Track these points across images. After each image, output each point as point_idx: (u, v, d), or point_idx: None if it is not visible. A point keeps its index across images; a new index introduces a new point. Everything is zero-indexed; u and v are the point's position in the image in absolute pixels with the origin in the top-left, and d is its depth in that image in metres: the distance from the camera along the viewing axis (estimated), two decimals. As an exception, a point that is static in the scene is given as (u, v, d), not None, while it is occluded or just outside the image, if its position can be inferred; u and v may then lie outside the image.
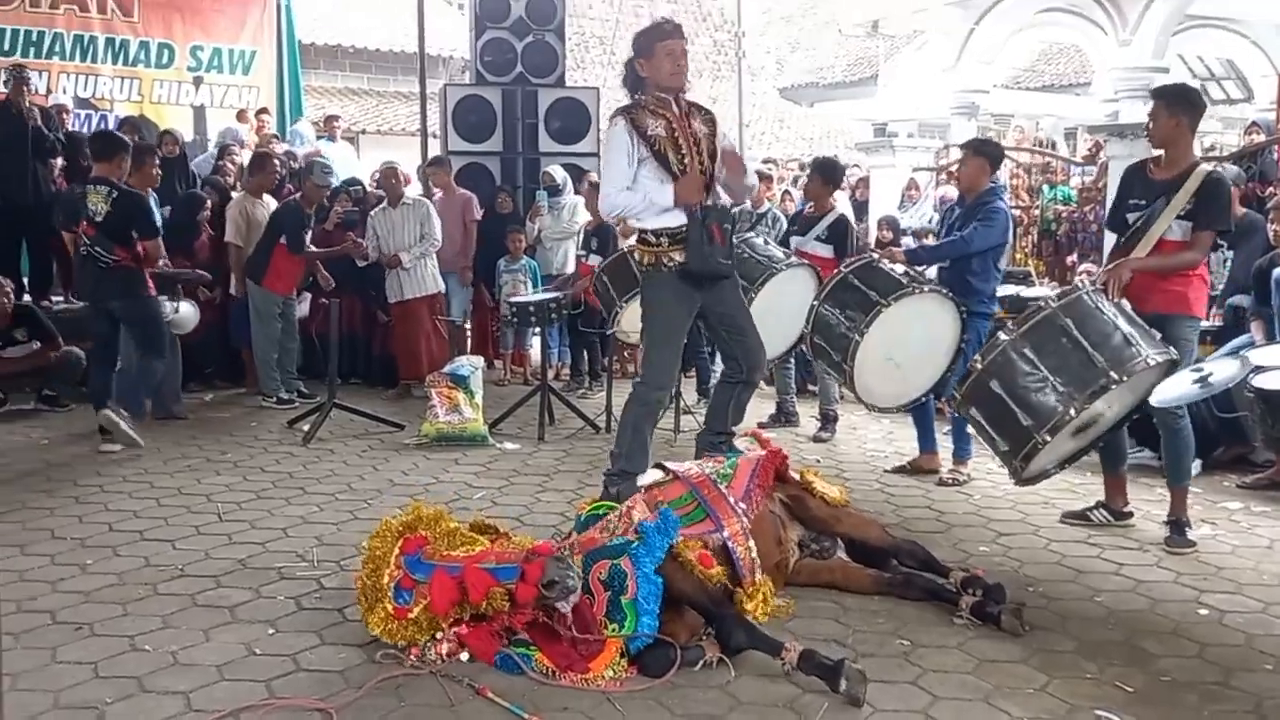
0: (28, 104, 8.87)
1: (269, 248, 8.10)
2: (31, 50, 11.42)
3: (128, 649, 3.72)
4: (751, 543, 3.91)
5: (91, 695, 3.37)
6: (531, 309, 7.61)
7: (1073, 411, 4.28)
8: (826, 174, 7.27)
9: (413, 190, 9.35)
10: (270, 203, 8.55)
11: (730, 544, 3.85)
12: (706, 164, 4.80)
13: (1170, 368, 4.50)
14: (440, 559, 3.66)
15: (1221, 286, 7.08)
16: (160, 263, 7.14)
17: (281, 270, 8.12)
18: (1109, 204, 9.16)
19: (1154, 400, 4.50)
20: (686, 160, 4.73)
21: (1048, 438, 4.34)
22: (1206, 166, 4.91)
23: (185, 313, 7.68)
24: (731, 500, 4.00)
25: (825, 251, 6.96)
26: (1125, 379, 4.25)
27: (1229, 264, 7.13)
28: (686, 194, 4.71)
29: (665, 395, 4.90)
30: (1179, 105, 4.87)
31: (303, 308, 8.81)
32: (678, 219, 4.75)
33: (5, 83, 9.25)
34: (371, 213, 8.67)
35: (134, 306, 6.83)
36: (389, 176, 8.57)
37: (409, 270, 8.36)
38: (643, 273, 4.95)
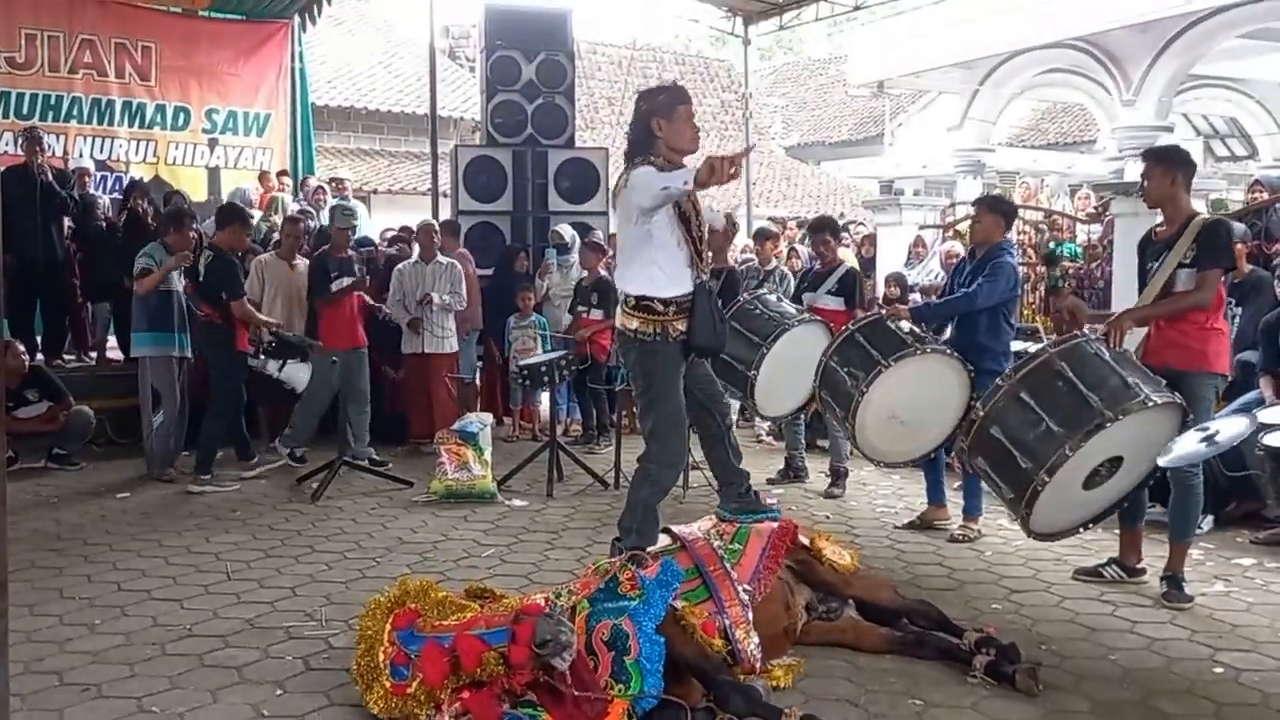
0: (40, 163, 9.01)
1: (312, 307, 8.09)
2: (50, 114, 11.63)
3: (135, 710, 3.71)
4: (754, 634, 3.85)
5: (98, 757, 3.35)
6: (542, 369, 7.63)
7: (1068, 450, 4.31)
8: (829, 229, 7.37)
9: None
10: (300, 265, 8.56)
11: (731, 630, 3.82)
12: (704, 237, 4.72)
13: (1177, 412, 4.50)
14: (431, 630, 3.63)
15: (1230, 342, 7.08)
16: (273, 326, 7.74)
17: (328, 323, 7.94)
18: (1115, 260, 9.25)
19: (1161, 462, 4.50)
20: (695, 231, 4.61)
21: (1046, 478, 4.37)
22: (1204, 215, 4.98)
23: (290, 372, 7.67)
24: (735, 581, 3.96)
25: (836, 304, 7.04)
26: (1120, 417, 4.28)
27: (1237, 320, 7.14)
28: (707, 174, 4.13)
29: (678, 474, 4.69)
30: (1170, 163, 4.96)
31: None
32: (688, 288, 4.59)
33: (20, 145, 9.41)
34: (399, 265, 8.69)
35: (217, 358, 7.60)
36: (426, 233, 8.63)
37: (429, 329, 8.39)
38: (643, 343, 4.61)
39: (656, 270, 4.56)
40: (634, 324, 4.59)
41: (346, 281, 7.85)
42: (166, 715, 3.66)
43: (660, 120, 4.51)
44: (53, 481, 7.54)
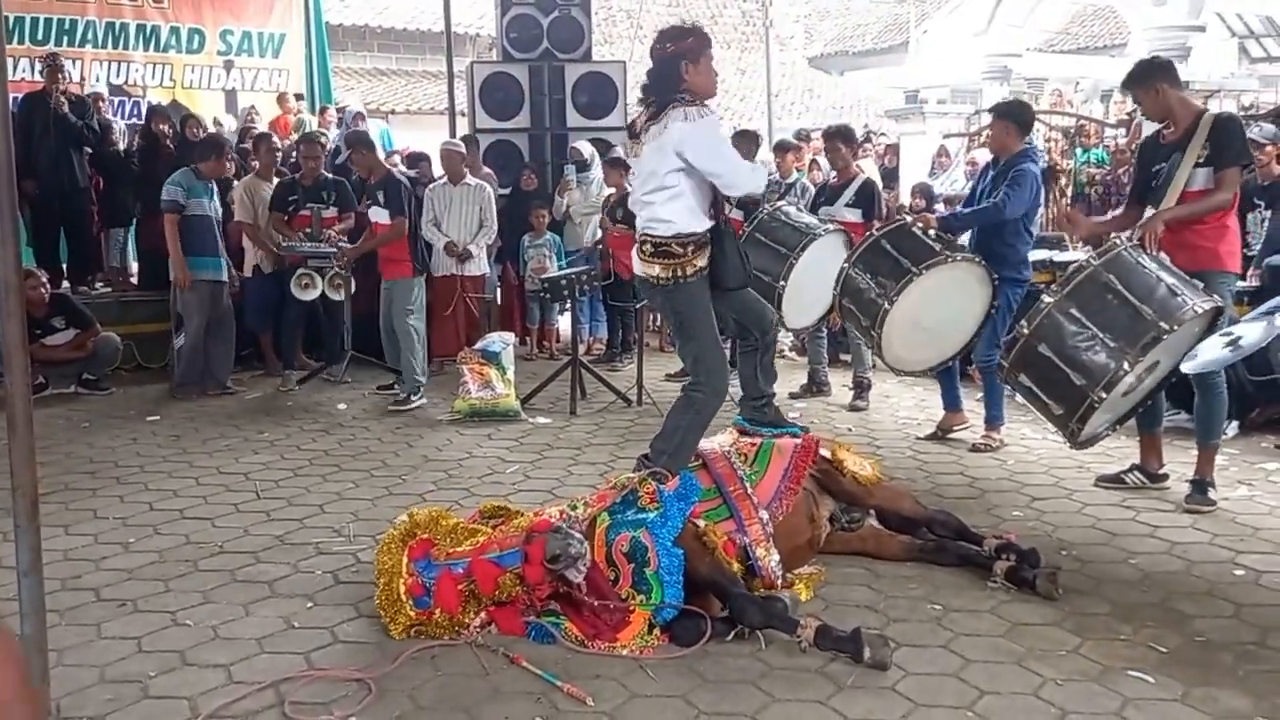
0: (61, 93, 8.99)
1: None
2: (64, 39, 11.54)
3: (170, 624, 3.80)
4: (774, 551, 3.88)
5: (135, 669, 3.45)
6: (563, 282, 7.62)
7: (1126, 365, 4.22)
8: (846, 139, 7.25)
9: (436, 169, 9.38)
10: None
11: (751, 548, 3.85)
12: None
13: (1216, 315, 4.44)
14: (446, 557, 3.68)
15: (1259, 247, 6.98)
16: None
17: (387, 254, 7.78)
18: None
19: (1185, 368, 4.45)
20: None
21: (1103, 394, 4.28)
22: (1214, 110, 4.86)
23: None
24: (755, 501, 3.98)
25: (854, 216, 6.95)
26: (1176, 328, 4.20)
27: (1267, 224, 7.02)
28: None
29: (722, 401, 4.70)
30: (1144, 80, 4.89)
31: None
32: (706, 224, 4.53)
33: (41, 72, 9.37)
34: (429, 187, 8.71)
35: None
36: (449, 157, 8.60)
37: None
38: (665, 287, 4.56)
39: (682, 205, 4.49)
40: (655, 270, 4.54)
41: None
42: (200, 628, 3.75)
43: (689, 64, 4.46)
44: (83, 406, 7.65)
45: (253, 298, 8.54)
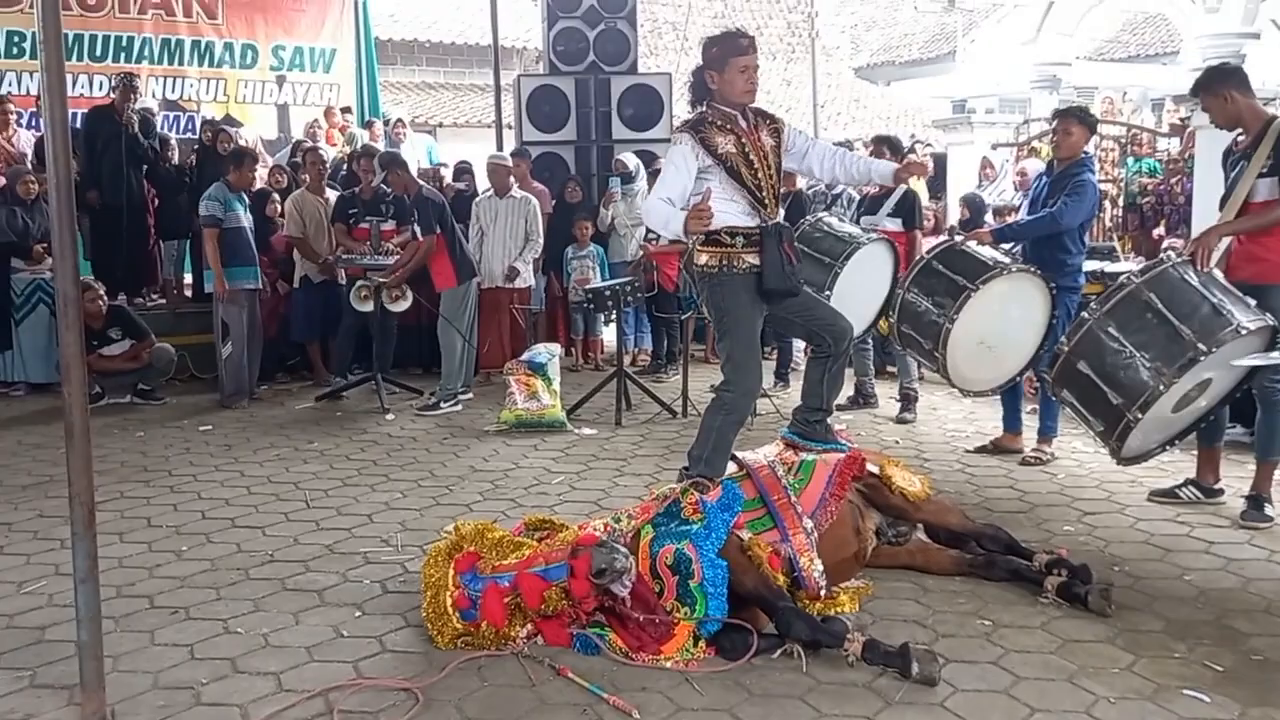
0: (131, 111, 9.20)
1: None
2: (121, 55, 11.78)
3: (221, 632, 3.85)
4: (818, 561, 3.85)
5: (188, 676, 3.49)
6: (607, 294, 7.65)
7: (1162, 387, 4.19)
8: (891, 149, 7.23)
9: (483, 182, 9.46)
10: (330, 195, 8.80)
11: (795, 557, 3.83)
12: (774, 178, 4.60)
13: (1270, 335, 4.36)
14: (492, 571, 3.69)
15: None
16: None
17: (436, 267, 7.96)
18: (1196, 175, 8.94)
19: (1239, 363, 4.33)
20: (759, 175, 4.51)
21: (1139, 415, 4.25)
22: None
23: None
24: (799, 510, 3.96)
25: (895, 226, 6.93)
26: (1215, 350, 4.14)
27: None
28: (692, 224, 4.36)
29: (754, 400, 4.67)
30: (1215, 84, 4.82)
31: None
32: (753, 219, 4.50)
33: (114, 88, 9.58)
34: (476, 200, 8.86)
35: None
36: (497, 170, 8.67)
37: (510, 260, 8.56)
38: (711, 277, 4.54)
39: (669, 220, 4.46)
40: (702, 259, 4.53)
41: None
42: (251, 635, 3.80)
43: (713, 74, 4.50)
44: (138, 416, 7.78)
45: (299, 309, 8.68)
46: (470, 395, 8.03)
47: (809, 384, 4.85)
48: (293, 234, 8.54)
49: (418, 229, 7.95)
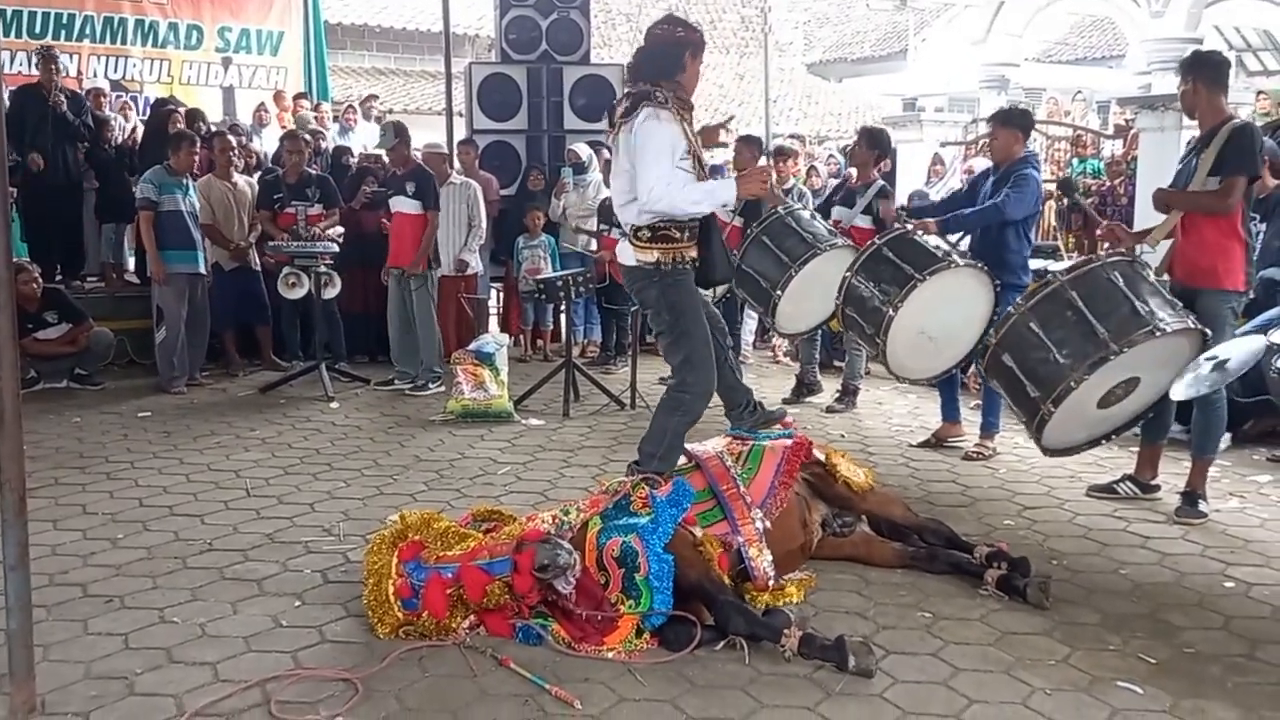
0: (56, 88, 8.95)
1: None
2: (62, 33, 11.53)
3: (157, 621, 3.78)
4: (767, 552, 3.87)
5: (122, 666, 3.43)
6: (558, 283, 7.62)
7: (1073, 383, 4.29)
8: (874, 143, 7.21)
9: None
10: (239, 180, 8.65)
11: (744, 548, 3.85)
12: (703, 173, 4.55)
13: (1195, 336, 4.43)
14: (436, 561, 3.65)
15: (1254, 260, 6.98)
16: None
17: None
18: (1139, 176, 9.09)
19: (1174, 395, 4.42)
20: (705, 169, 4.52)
21: (1052, 409, 4.36)
22: (1236, 120, 4.80)
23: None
24: (749, 500, 3.99)
25: (865, 223, 6.92)
26: (1126, 349, 4.22)
27: (1260, 237, 7.02)
28: (751, 187, 4.38)
29: (708, 402, 4.63)
30: (1187, 69, 4.88)
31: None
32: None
33: (35, 65, 9.34)
34: None
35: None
36: (432, 158, 8.58)
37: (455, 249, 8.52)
38: (665, 275, 4.44)
39: (708, 195, 4.40)
40: (653, 256, 4.41)
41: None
42: (188, 625, 3.73)
43: (691, 56, 4.43)
44: (75, 401, 7.62)
45: (213, 298, 8.43)
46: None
47: (725, 390, 4.80)
48: (201, 220, 8.31)
49: (408, 204, 7.83)
